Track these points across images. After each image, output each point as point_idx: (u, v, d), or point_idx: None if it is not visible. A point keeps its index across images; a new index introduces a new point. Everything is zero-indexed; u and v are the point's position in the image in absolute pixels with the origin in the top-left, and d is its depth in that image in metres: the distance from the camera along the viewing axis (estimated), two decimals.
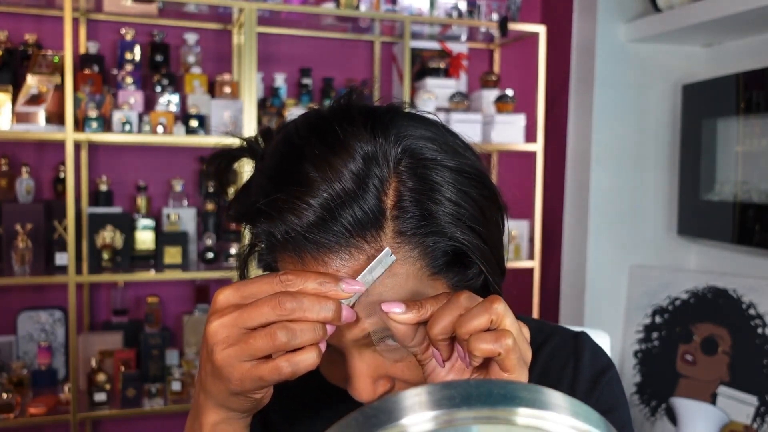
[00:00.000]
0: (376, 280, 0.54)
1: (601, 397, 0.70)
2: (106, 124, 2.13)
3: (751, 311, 1.85)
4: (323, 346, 0.52)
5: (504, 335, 0.49)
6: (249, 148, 0.69)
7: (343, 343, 0.57)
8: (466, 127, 2.33)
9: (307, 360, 0.51)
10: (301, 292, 0.51)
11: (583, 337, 0.74)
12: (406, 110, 0.63)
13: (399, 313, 0.52)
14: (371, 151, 0.55)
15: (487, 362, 0.52)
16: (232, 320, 0.52)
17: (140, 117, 2.18)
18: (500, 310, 0.49)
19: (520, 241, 2.53)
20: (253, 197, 0.59)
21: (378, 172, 0.55)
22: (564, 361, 0.72)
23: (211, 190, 2.38)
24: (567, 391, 0.70)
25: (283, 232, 0.55)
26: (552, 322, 0.79)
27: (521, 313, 0.78)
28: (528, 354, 0.53)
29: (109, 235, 2.18)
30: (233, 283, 0.54)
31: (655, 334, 2.07)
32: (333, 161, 0.55)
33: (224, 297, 0.53)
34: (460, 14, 2.47)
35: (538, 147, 2.45)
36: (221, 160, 0.70)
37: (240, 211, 0.61)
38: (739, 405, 1.82)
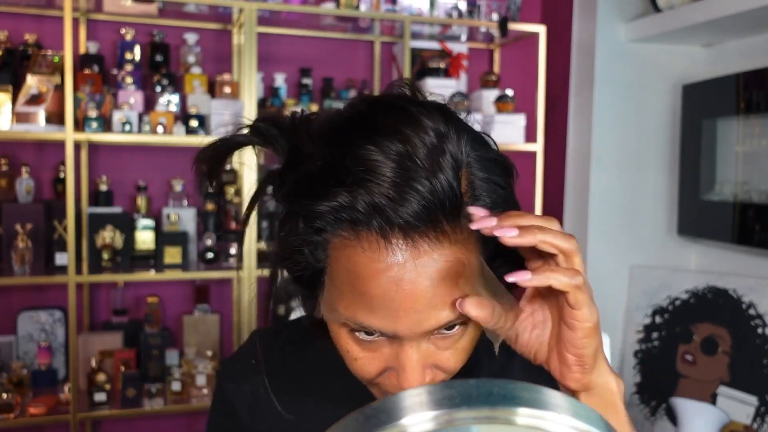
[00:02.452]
0: None
1: None
2: (106, 124, 2.13)
3: (751, 311, 1.85)
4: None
5: (576, 273, 0.53)
6: (260, 135, 0.65)
7: (413, 334, 0.56)
8: None
9: None
10: None
11: None
12: None
13: (527, 279, 0.52)
14: (444, 130, 0.55)
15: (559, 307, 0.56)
16: None
17: (140, 117, 2.18)
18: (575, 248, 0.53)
19: None
20: (315, 171, 0.57)
21: (453, 150, 0.55)
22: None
23: (211, 190, 2.38)
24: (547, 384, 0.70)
25: (367, 203, 0.53)
26: None
27: None
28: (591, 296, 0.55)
29: (109, 235, 2.18)
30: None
31: (655, 334, 2.07)
32: (408, 134, 0.54)
33: None
34: (460, 14, 2.47)
35: (538, 147, 2.45)
36: (219, 150, 0.66)
37: (304, 187, 0.57)
38: (739, 405, 1.82)
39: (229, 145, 0.66)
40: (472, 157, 0.57)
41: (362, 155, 0.54)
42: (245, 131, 0.66)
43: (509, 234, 0.51)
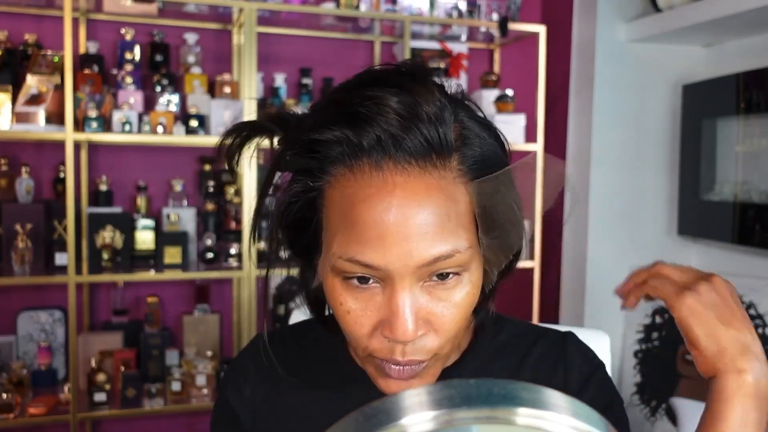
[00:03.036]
0: None
1: (596, 397, 0.70)
2: (106, 124, 2.13)
3: (751, 311, 1.85)
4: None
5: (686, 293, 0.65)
6: (282, 123, 0.66)
7: (404, 269, 0.56)
8: None
9: None
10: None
11: (571, 338, 0.74)
12: None
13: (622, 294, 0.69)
14: (444, 93, 0.59)
15: None
16: None
17: (140, 117, 2.18)
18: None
19: None
20: (320, 108, 0.60)
21: (451, 107, 0.58)
22: (553, 363, 0.72)
23: (211, 190, 2.38)
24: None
25: (373, 137, 0.55)
26: (539, 324, 0.79)
27: (521, 313, 0.78)
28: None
29: (109, 235, 2.18)
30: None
31: (655, 334, 2.07)
32: (411, 85, 0.57)
33: None
34: (460, 14, 2.47)
35: (538, 147, 2.45)
36: (241, 132, 0.66)
37: (312, 124, 0.59)
38: None
39: (249, 129, 0.66)
40: (463, 114, 0.60)
41: (368, 93, 0.56)
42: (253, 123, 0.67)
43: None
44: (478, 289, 0.61)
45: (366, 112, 0.55)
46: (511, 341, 0.74)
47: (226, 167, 0.68)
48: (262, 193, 0.66)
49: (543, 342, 0.74)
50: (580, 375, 0.71)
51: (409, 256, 0.55)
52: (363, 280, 0.58)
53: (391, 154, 0.55)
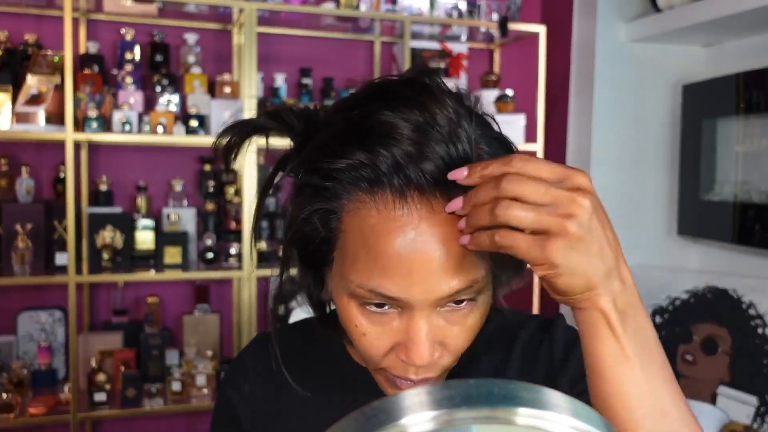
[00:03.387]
0: None
1: (579, 365, 0.69)
2: (106, 124, 2.13)
3: (751, 311, 1.85)
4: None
5: (494, 231, 0.50)
6: (278, 118, 0.65)
7: (426, 301, 0.56)
8: None
9: None
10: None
11: (559, 319, 0.74)
12: None
13: (466, 243, 0.53)
14: (459, 108, 0.57)
15: None
16: None
17: (140, 117, 2.18)
18: (507, 183, 0.49)
19: None
20: (334, 134, 0.58)
21: (467, 127, 0.56)
22: (539, 342, 0.72)
23: (211, 190, 2.38)
24: (545, 369, 0.70)
25: (387, 161, 0.54)
26: (530, 313, 0.80)
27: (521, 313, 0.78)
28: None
29: (109, 235, 2.18)
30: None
31: None
32: (428, 104, 0.56)
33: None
34: (460, 14, 2.47)
35: (538, 147, 2.45)
36: (240, 130, 0.65)
37: (321, 150, 0.58)
38: (739, 405, 1.82)
39: (247, 127, 0.65)
40: (479, 134, 0.58)
41: (382, 118, 0.55)
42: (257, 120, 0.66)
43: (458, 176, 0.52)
44: (489, 307, 0.62)
45: (382, 137, 0.55)
46: (498, 332, 0.74)
47: (224, 166, 0.68)
48: (262, 195, 0.66)
49: (531, 324, 0.74)
50: (564, 345, 0.71)
51: (432, 290, 0.55)
52: (380, 305, 0.58)
53: (413, 179, 0.54)
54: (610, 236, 0.53)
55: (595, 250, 0.50)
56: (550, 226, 0.49)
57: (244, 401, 0.76)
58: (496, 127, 0.63)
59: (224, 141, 0.64)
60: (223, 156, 0.66)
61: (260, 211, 0.66)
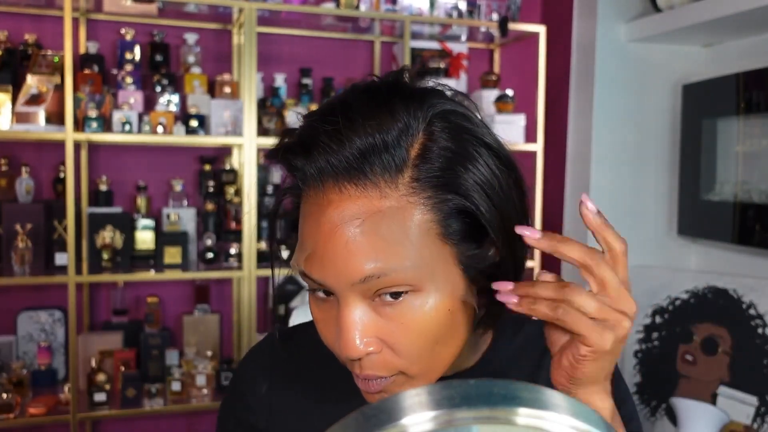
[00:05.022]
0: None
1: (617, 390, 0.69)
2: (106, 124, 2.13)
3: (751, 311, 1.85)
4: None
5: (557, 304, 0.54)
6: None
7: (340, 286, 0.57)
8: None
9: None
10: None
11: None
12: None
13: (530, 236, 0.56)
14: (409, 105, 0.58)
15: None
16: None
17: (140, 117, 2.18)
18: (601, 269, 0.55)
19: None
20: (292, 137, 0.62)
21: (410, 122, 0.57)
22: (542, 351, 0.72)
23: (211, 190, 2.38)
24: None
25: (313, 155, 0.57)
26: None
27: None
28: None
29: (109, 235, 2.18)
30: None
31: (655, 334, 2.07)
32: (368, 103, 0.58)
33: None
34: (460, 14, 2.47)
35: (538, 147, 2.45)
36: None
37: (281, 149, 0.62)
38: (739, 405, 1.82)
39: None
40: (438, 127, 0.58)
41: (323, 119, 0.58)
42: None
43: (510, 301, 0.56)
44: (445, 312, 0.58)
45: (307, 131, 0.58)
46: (529, 341, 0.73)
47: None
48: (272, 222, 0.69)
49: (529, 328, 0.74)
50: None
51: (341, 273, 0.56)
52: (326, 293, 0.60)
53: (332, 173, 0.56)
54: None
55: (617, 352, 0.56)
56: (610, 316, 0.55)
57: (259, 397, 0.75)
58: (492, 137, 0.61)
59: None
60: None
61: (276, 213, 0.67)
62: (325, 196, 0.57)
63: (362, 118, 0.57)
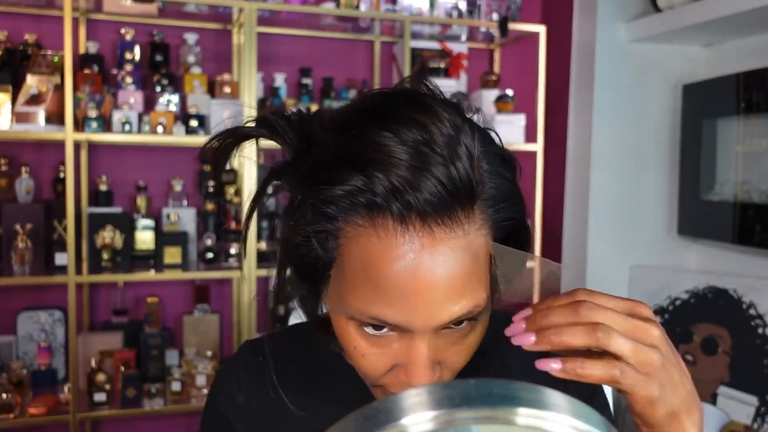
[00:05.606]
0: None
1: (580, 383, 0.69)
2: (105, 124, 2.13)
3: (752, 311, 1.85)
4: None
5: (612, 366, 0.50)
6: (268, 126, 0.63)
7: (425, 327, 0.55)
8: None
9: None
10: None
11: None
12: None
13: (557, 370, 0.51)
14: (459, 122, 0.56)
15: None
16: None
17: (140, 117, 2.18)
18: (602, 337, 0.50)
19: None
20: (330, 157, 0.56)
21: (467, 142, 0.55)
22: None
23: (211, 190, 2.38)
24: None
25: (385, 186, 0.52)
26: None
27: None
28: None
29: (108, 235, 2.18)
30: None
31: None
32: (425, 122, 0.54)
33: None
34: (460, 14, 2.47)
35: (538, 147, 2.45)
36: (226, 141, 0.64)
37: (317, 173, 0.56)
38: (740, 405, 1.82)
39: (236, 135, 0.64)
40: (479, 150, 0.57)
41: (378, 141, 0.54)
42: (252, 124, 0.64)
43: (528, 342, 0.52)
44: (488, 323, 0.61)
45: (378, 162, 0.53)
46: (494, 335, 0.73)
47: (213, 173, 0.67)
48: (254, 203, 0.65)
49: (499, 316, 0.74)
50: None
51: (435, 317, 0.55)
52: (378, 328, 0.57)
53: (413, 205, 0.53)
54: (683, 364, 0.54)
55: (677, 378, 0.52)
56: (646, 357, 0.50)
57: (238, 413, 0.74)
58: (496, 139, 0.62)
59: (214, 146, 0.64)
60: (213, 162, 0.65)
61: (249, 220, 0.65)
62: (412, 239, 0.53)
63: (440, 149, 0.53)
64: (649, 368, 0.50)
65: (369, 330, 0.57)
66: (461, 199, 0.54)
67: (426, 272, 0.53)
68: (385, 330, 0.57)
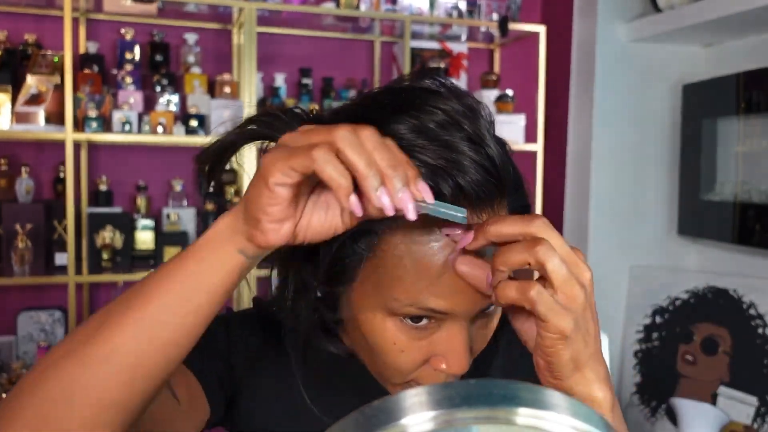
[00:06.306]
0: (440, 217, 0.50)
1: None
2: (105, 124, 2.13)
3: (752, 311, 1.85)
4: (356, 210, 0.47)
5: (529, 286, 0.49)
6: (270, 127, 0.60)
7: (468, 312, 0.57)
8: None
9: (333, 175, 0.45)
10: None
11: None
12: None
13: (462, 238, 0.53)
14: (478, 106, 0.58)
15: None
16: (284, 146, 0.48)
17: (140, 117, 2.18)
18: (542, 252, 0.49)
19: None
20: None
21: (489, 127, 0.58)
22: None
23: (211, 190, 2.38)
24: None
25: (452, 188, 0.54)
26: None
27: None
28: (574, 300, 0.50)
29: (108, 235, 2.18)
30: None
31: (655, 334, 2.07)
32: (447, 106, 0.56)
33: (281, 139, 0.49)
34: (460, 14, 2.47)
35: (538, 147, 2.45)
36: (224, 147, 0.61)
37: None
38: (739, 405, 1.82)
39: (235, 141, 0.61)
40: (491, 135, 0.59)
41: (411, 127, 0.55)
42: (252, 126, 0.61)
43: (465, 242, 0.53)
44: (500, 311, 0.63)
45: (445, 164, 0.54)
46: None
47: (208, 172, 0.65)
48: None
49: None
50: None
51: (478, 302, 0.57)
52: (417, 319, 0.57)
53: (468, 202, 0.54)
54: (598, 322, 0.55)
55: (591, 329, 0.52)
56: (573, 290, 0.50)
57: (248, 346, 0.72)
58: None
59: (209, 155, 0.63)
60: (208, 174, 0.63)
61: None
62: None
63: (490, 137, 0.56)
64: (571, 303, 0.50)
65: (406, 322, 0.57)
66: (498, 184, 0.56)
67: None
68: (424, 321, 0.57)
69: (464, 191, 0.54)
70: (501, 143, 0.59)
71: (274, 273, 0.67)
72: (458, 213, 0.49)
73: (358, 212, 0.46)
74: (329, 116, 0.62)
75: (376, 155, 0.46)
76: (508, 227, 0.51)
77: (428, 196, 0.47)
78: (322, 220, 0.51)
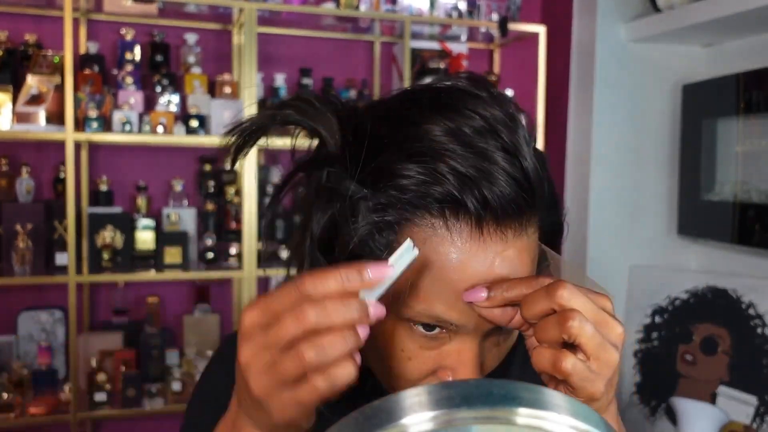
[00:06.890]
0: (404, 269, 0.47)
1: None
2: (106, 124, 2.13)
3: (751, 311, 1.85)
4: (357, 358, 0.45)
5: (563, 356, 0.48)
6: (305, 114, 0.57)
7: (478, 327, 0.55)
8: None
9: (344, 374, 0.44)
10: (324, 297, 0.44)
11: None
12: None
13: (483, 299, 0.51)
14: (517, 115, 0.57)
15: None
16: (260, 345, 0.45)
17: (140, 117, 2.18)
18: (575, 328, 0.47)
19: None
20: (392, 149, 0.53)
21: (526, 136, 0.56)
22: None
23: (211, 190, 2.38)
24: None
25: (479, 199, 0.51)
26: None
27: None
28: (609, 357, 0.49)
29: (109, 235, 2.18)
30: (256, 301, 0.46)
31: (654, 334, 2.07)
32: (486, 112, 0.54)
33: (249, 320, 0.46)
34: (460, 14, 2.47)
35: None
36: (258, 125, 0.57)
37: (378, 168, 0.53)
38: (739, 405, 1.82)
39: (266, 124, 0.58)
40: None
41: (443, 130, 0.53)
42: (288, 110, 0.57)
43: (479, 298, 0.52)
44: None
45: (474, 173, 0.51)
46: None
47: (230, 162, 0.60)
48: (277, 193, 0.62)
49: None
50: None
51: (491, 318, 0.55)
52: (429, 327, 0.56)
53: (490, 207, 0.51)
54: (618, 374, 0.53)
55: (616, 377, 0.52)
56: (608, 356, 0.49)
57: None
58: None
59: (243, 131, 0.58)
60: (236, 150, 0.59)
61: (272, 219, 0.64)
62: (486, 244, 0.52)
63: (528, 149, 0.54)
64: (604, 368, 0.48)
65: (417, 328, 0.56)
66: (528, 200, 0.53)
67: (495, 276, 0.53)
68: (436, 330, 0.55)
69: (489, 204, 0.51)
70: (540, 157, 0.57)
71: (275, 273, 0.66)
72: (408, 254, 0.47)
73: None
74: (364, 110, 0.59)
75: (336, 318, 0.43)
76: (538, 304, 0.49)
77: (383, 270, 0.45)
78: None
